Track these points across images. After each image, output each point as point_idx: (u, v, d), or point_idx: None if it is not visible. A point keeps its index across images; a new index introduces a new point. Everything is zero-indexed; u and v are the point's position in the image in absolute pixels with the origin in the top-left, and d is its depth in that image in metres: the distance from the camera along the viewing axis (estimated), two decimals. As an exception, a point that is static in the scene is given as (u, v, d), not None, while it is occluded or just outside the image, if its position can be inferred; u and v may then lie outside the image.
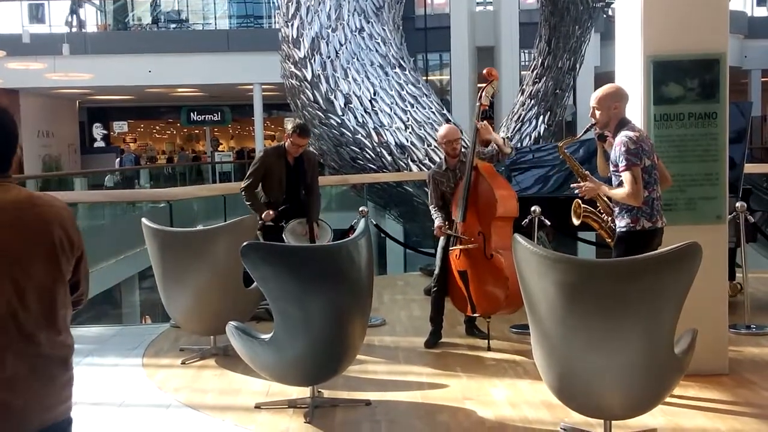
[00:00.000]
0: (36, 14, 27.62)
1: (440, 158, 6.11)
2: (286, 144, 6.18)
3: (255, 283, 4.97)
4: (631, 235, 4.26)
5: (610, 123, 4.33)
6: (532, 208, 6.19)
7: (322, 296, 4.17)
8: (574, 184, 4.48)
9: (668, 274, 3.46)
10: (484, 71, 5.85)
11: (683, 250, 3.44)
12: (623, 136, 4.19)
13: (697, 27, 4.80)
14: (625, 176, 4.14)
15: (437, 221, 5.75)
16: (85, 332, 6.81)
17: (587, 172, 4.54)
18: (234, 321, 4.49)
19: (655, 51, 4.80)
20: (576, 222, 4.88)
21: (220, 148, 31.92)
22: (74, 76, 21.08)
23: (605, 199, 4.54)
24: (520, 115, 13.85)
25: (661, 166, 4.46)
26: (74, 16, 27.59)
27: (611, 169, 4.29)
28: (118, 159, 26.13)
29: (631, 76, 4.96)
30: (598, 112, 4.34)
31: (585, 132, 4.75)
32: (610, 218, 4.51)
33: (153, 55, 23.14)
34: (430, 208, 5.90)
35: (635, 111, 4.88)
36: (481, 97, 5.76)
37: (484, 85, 5.78)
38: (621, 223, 4.30)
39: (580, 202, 4.80)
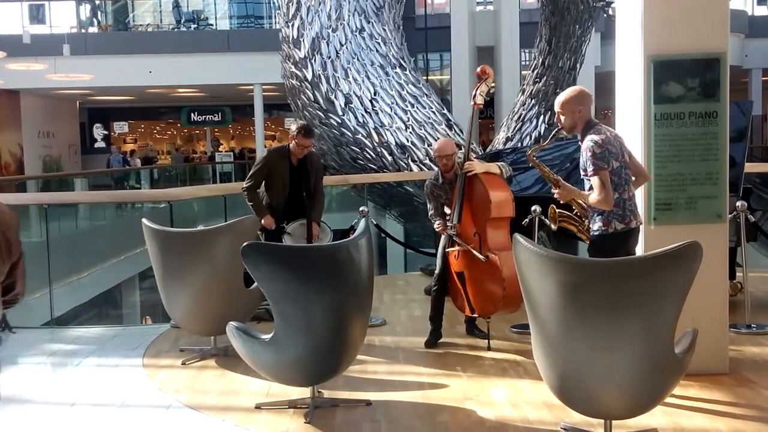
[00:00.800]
0: (36, 15, 27.63)
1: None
2: (291, 145, 6.16)
3: (255, 284, 4.97)
4: (604, 238, 4.25)
5: (576, 126, 4.32)
6: (533, 208, 6.18)
7: (322, 296, 4.17)
8: (552, 189, 4.48)
9: (668, 273, 3.45)
10: (478, 69, 5.84)
11: (684, 249, 3.44)
12: (589, 140, 4.18)
13: (698, 26, 4.79)
14: (594, 181, 4.14)
15: (437, 222, 5.75)
16: (86, 333, 6.82)
17: (559, 178, 4.52)
18: (234, 321, 4.49)
19: (656, 50, 4.80)
20: (554, 227, 4.89)
21: (220, 149, 31.89)
22: (75, 76, 21.09)
23: (580, 201, 4.53)
24: (521, 114, 13.86)
25: (636, 162, 4.46)
26: (94, 16, 27.64)
27: (582, 173, 4.29)
28: (107, 160, 25.53)
29: (631, 75, 4.95)
30: (562, 117, 4.34)
31: (552, 137, 4.77)
32: (586, 220, 4.51)
33: (153, 55, 23.15)
34: (431, 215, 5.89)
35: (636, 110, 4.88)
36: (475, 96, 5.74)
37: (478, 84, 5.76)
38: (594, 227, 4.30)
39: (555, 207, 4.80)
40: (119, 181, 22.16)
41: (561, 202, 4.58)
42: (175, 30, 26.63)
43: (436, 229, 5.79)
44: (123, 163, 24.62)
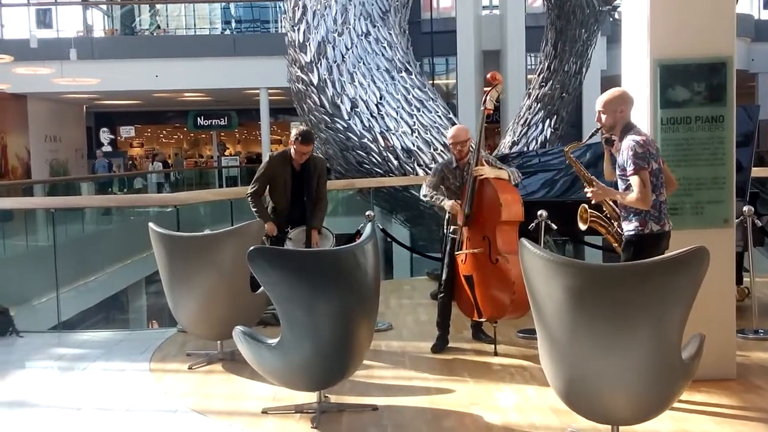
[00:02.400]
0: (43, 19, 27.74)
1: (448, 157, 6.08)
2: (291, 151, 6.17)
3: (261, 288, 4.97)
4: (639, 239, 4.25)
5: (616, 127, 4.34)
6: (539, 212, 6.17)
7: (328, 301, 4.17)
8: (587, 188, 4.47)
9: (675, 278, 3.44)
10: (488, 75, 5.84)
11: (690, 254, 3.43)
12: (630, 140, 4.19)
13: (704, 30, 4.78)
14: (634, 180, 4.14)
15: (446, 202, 5.68)
16: (93, 337, 6.83)
17: (593, 177, 4.53)
18: (241, 326, 4.50)
19: (662, 54, 4.79)
20: (583, 227, 4.86)
21: (226, 153, 31.95)
22: (81, 81, 21.17)
23: (611, 203, 4.53)
24: (527, 118, 13.85)
25: (666, 169, 4.46)
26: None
27: (618, 173, 4.28)
28: (92, 165, 24.66)
29: (637, 79, 4.95)
30: (603, 116, 4.35)
31: (591, 136, 4.76)
32: (616, 223, 4.50)
33: (160, 60, 23.22)
34: (425, 194, 5.80)
35: (642, 114, 4.88)
36: (485, 101, 5.75)
37: (488, 89, 5.77)
38: (629, 227, 4.29)
39: (586, 207, 4.79)
40: (103, 186, 21.40)
41: (593, 201, 4.56)
42: (224, 33, 26.47)
43: (451, 211, 5.70)
44: (108, 168, 23.81)
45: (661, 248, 4.28)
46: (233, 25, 28.29)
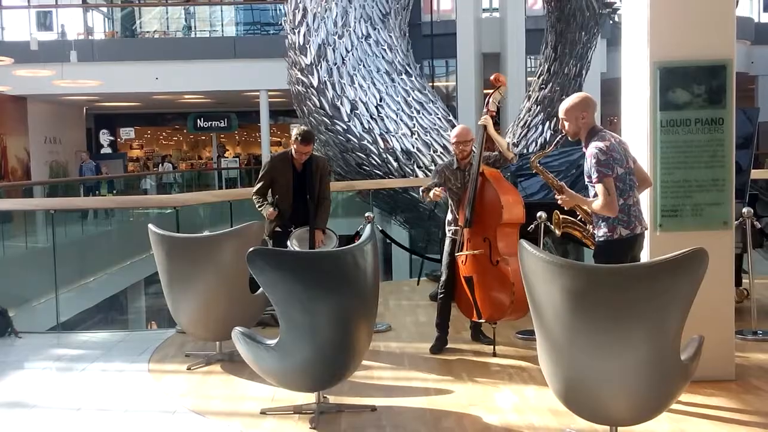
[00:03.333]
0: (44, 22, 27.74)
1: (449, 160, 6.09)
2: (292, 151, 6.18)
3: (261, 289, 4.98)
4: (609, 244, 4.25)
5: (580, 133, 4.33)
6: (538, 214, 6.18)
7: (328, 302, 4.17)
8: (556, 196, 4.48)
9: (674, 279, 3.44)
10: (492, 77, 5.85)
11: (690, 255, 3.43)
12: (593, 147, 4.18)
13: (704, 33, 4.79)
14: (598, 188, 4.15)
15: (433, 191, 5.63)
16: (91, 338, 6.83)
17: (563, 184, 4.52)
18: (240, 327, 4.50)
19: (662, 57, 4.80)
20: (558, 232, 4.88)
21: (226, 155, 31.97)
22: (82, 83, 21.15)
23: (585, 208, 4.53)
24: (526, 121, 13.85)
25: (639, 168, 4.46)
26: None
27: (586, 180, 4.29)
28: (78, 167, 22.66)
29: (637, 82, 4.95)
30: (566, 123, 4.34)
31: (555, 144, 4.79)
32: (591, 226, 4.50)
33: (160, 62, 23.21)
34: (424, 189, 5.78)
35: (642, 117, 4.89)
36: (488, 103, 5.76)
37: (491, 91, 5.78)
38: (599, 233, 4.30)
39: (559, 213, 4.80)
40: (90, 190, 20.09)
41: (565, 208, 4.58)
42: (166, 37, 26.53)
43: (427, 198, 5.69)
44: (96, 171, 22.25)
45: (633, 251, 4.29)
46: (234, 27, 28.29)
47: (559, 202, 4.44)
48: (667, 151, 4.80)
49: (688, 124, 4.82)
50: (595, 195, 4.20)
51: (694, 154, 4.83)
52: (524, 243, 3.71)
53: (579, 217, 4.80)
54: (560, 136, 4.50)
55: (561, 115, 4.35)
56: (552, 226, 4.86)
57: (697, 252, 3.44)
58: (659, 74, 4.81)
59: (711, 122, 4.82)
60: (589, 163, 4.19)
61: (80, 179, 20.91)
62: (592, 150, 4.17)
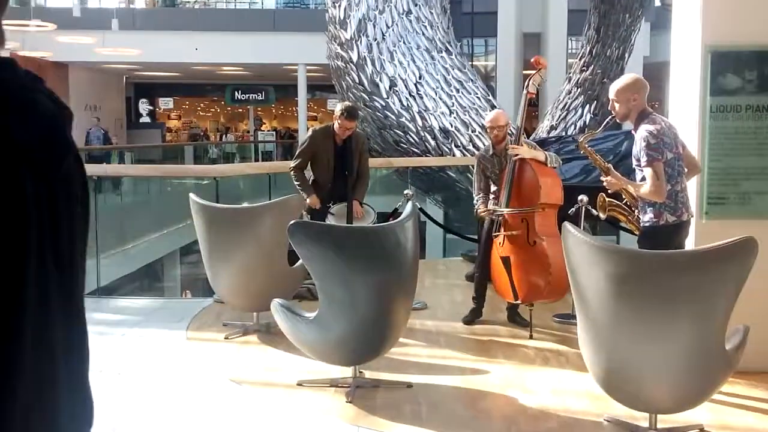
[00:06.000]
0: (86, -11, 27.90)
1: (485, 144, 6.09)
2: (335, 126, 6.17)
3: (299, 262, 5.01)
4: (655, 230, 4.19)
5: (630, 115, 4.25)
6: (579, 197, 6.12)
7: (367, 277, 4.18)
8: (602, 177, 4.43)
9: (722, 268, 3.40)
10: (533, 59, 5.79)
11: (739, 244, 3.38)
12: (644, 130, 4.11)
13: (758, 17, 4.68)
14: (647, 172, 4.08)
15: (480, 204, 5.75)
16: (131, 304, 6.94)
17: (610, 166, 4.46)
18: (279, 299, 4.53)
19: (714, 41, 4.70)
20: (602, 216, 4.82)
21: (263, 128, 32.09)
22: (122, 51, 21.28)
23: (631, 191, 4.47)
24: (566, 103, 13.68)
25: (689, 154, 4.38)
26: None
27: (634, 163, 4.22)
28: (86, 134, 21.05)
29: (688, 66, 4.86)
30: (617, 105, 4.27)
31: (605, 126, 4.71)
32: (636, 210, 4.44)
33: (200, 32, 23.29)
34: (474, 193, 5.89)
35: (691, 101, 4.80)
36: (528, 85, 5.70)
37: (532, 73, 5.72)
38: (644, 218, 4.24)
39: (604, 195, 4.73)
40: (96, 159, 18.49)
41: (610, 191, 4.53)
42: (207, 8, 26.54)
43: (481, 214, 5.79)
44: (104, 139, 21.06)
45: (679, 239, 4.23)
46: (274, 0, 28.26)
47: (605, 184, 4.39)
48: (715, 137, 4.71)
49: (738, 111, 4.73)
50: (642, 179, 4.14)
51: (743, 141, 4.74)
52: (568, 226, 3.67)
53: (624, 201, 4.74)
54: (609, 117, 4.43)
55: (612, 96, 4.28)
56: (596, 210, 4.79)
57: (747, 241, 3.39)
58: (711, 58, 4.71)
59: (762, 109, 4.72)
60: (638, 146, 4.12)
61: (87, 148, 19.13)
62: (642, 133, 4.11)
